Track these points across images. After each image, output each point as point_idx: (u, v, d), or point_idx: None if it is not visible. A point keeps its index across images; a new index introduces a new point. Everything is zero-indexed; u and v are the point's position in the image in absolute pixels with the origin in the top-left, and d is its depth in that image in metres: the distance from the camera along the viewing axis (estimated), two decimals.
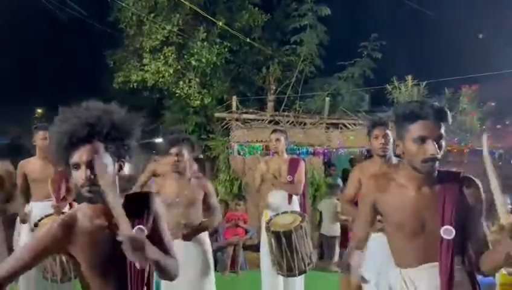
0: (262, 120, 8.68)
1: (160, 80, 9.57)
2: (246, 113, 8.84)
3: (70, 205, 4.04)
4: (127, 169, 1.80)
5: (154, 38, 9.35)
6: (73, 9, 10.14)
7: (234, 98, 9.03)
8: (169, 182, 3.33)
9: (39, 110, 17.55)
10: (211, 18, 9.69)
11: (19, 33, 12.50)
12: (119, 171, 1.66)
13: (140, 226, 1.62)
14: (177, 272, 1.72)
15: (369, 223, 2.05)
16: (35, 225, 3.71)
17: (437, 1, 11.72)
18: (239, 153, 8.46)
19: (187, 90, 9.70)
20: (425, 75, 8.78)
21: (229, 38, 10.18)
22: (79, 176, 1.56)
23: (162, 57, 9.47)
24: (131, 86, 9.80)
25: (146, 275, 1.65)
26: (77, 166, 1.56)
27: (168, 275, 1.69)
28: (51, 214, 3.80)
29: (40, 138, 4.09)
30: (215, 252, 5.49)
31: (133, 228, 1.55)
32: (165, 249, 1.70)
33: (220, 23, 9.81)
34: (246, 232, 6.82)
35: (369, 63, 10.06)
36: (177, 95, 9.81)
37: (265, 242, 4.26)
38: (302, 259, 3.93)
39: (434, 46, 12.69)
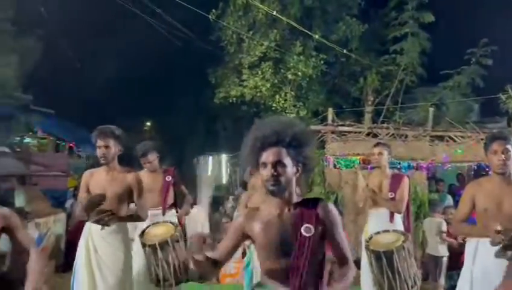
0: (360, 132, 8.46)
1: (258, 94, 9.87)
2: (343, 125, 8.68)
3: (176, 211, 4.31)
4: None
5: (253, 54, 9.70)
6: (179, 31, 10.91)
7: (330, 110, 8.94)
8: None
9: (148, 124, 19.10)
10: (307, 31, 9.77)
11: (132, 53, 13.77)
12: (296, 173, 1.92)
13: (309, 225, 1.83)
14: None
15: None
16: (142, 232, 3.87)
17: None
18: (335, 166, 8.33)
19: (283, 104, 9.87)
20: None
21: (325, 50, 10.17)
22: (265, 173, 1.85)
23: (259, 72, 9.78)
24: (230, 100, 10.24)
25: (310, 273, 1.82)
26: (265, 165, 1.86)
27: None
28: (157, 222, 4.00)
29: (152, 159, 4.39)
30: None
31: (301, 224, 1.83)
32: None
33: (317, 36, 9.84)
34: None
35: (478, 70, 9.33)
36: (273, 108, 10.02)
37: (365, 260, 4.13)
38: (405, 281, 3.73)
39: None
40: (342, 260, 1.96)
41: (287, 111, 9.89)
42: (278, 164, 1.84)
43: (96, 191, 3.34)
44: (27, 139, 13.55)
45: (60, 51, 13.04)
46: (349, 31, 10.26)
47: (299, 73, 9.57)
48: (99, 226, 3.22)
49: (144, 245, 3.62)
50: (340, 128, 8.56)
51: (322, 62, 9.94)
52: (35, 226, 6.13)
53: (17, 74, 11.35)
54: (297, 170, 1.90)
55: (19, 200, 6.94)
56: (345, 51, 10.18)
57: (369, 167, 6.87)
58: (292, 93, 9.90)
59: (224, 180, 13.02)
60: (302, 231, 1.82)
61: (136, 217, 3.49)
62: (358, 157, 8.02)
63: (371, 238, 4.01)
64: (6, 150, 10.83)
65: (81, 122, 16.22)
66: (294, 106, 9.92)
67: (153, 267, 3.54)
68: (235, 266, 5.98)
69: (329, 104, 10.06)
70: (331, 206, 1.96)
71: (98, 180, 3.38)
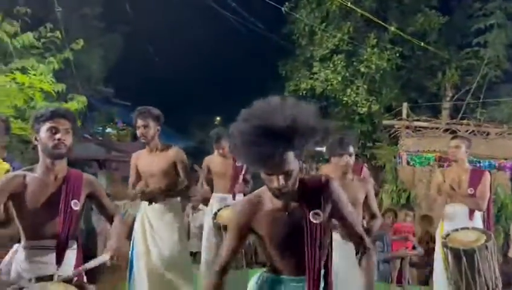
0: (437, 128, 8.04)
1: (329, 87, 9.73)
2: (418, 120, 8.31)
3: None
4: None
5: (325, 47, 9.58)
6: (252, 24, 11.07)
7: (405, 104, 8.59)
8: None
9: (218, 118, 19.65)
10: (382, 23, 9.45)
11: (206, 47, 14.20)
12: (299, 166, 1.71)
13: (317, 211, 1.72)
14: None
15: None
16: (215, 215, 4.00)
17: None
18: (408, 163, 8.00)
19: (354, 98, 9.64)
20: None
21: (401, 43, 9.79)
22: (272, 183, 1.66)
23: (331, 65, 9.63)
24: (300, 93, 10.19)
25: (324, 257, 1.75)
26: (270, 173, 1.64)
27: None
28: (228, 206, 4.11)
29: (225, 145, 4.50)
30: (381, 262, 5.29)
31: (309, 212, 1.70)
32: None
33: (392, 28, 9.49)
34: (414, 247, 6.39)
35: None
36: (343, 102, 9.83)
37: (439, 257, 3.92)
38: (485, 283, 3.50)
39: None
40: (355, 238, 1.86)
41: (358, 105, 9.66)
42: (286, 173, 1.61)
43: (144, 170, 3.53)
44: (108, 129, 14.53)
45: (139, 45, 13.79)
46: (427, 23, 9.77)
47: (373, 66, 9.30)
48: (155, 207, 3.39)
49: (218, 227, 3.74)
50: (416, 123, 8.20)
51: (397, 55, 9.58)
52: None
53: (101, 68, 12.17)
54: (300, 161, 1.69)
55: (101, 183, 7.46)
56: (422, 44, 9.72)
57: (445, 165, 6.53)
58: (364, 86, 9.65)
59: None
60: (311, 218, 1.71)
61: (182, 190, 3.61)
62: (435, 154, 7.65)
63: (448, 235, 3.80)
64: (89, 137, 11.68)
65: None
66: (367, 100, 9.66)
67: None
68: None
69: (404, 98, 9.67)
70: (334, 184, 1.81)
71: (144, 160, 3.56)
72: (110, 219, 2.43)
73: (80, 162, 8.33)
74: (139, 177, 3.61)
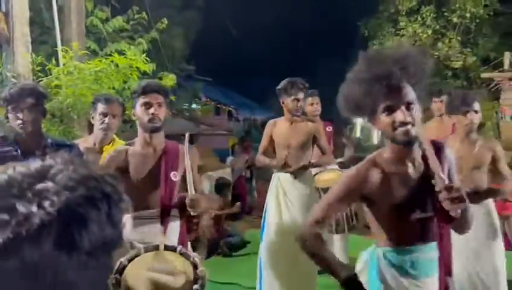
0: None
1: (417, 43, 9.09)
2: None
3: None
4: None
5: None
6: None
7: (507, 54, 7.77)
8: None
9: None
10: None
11: (281, 16, 13.98)
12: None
13: (442, 175, 1.53)
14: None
15: None
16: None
17: None
18: None
19: (446, 51, 8.91)
20: None
21: None
22: (396, 118, 1.50)
23: (419, 18, 8.95)
24: None
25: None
26: (391, 108, 1.50)
27: (466, 227, 1.65)
28: (323, 170, 4.03)
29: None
30: None
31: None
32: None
33: None
34: None
35: None
36: (435, 57, 9.12)
37: None
38: None
39: None
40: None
41: (451, 59, 8.92)
42: (408, 105, 1.48)
43: (280, 140, 3.53)
44: (193, 105, 15.10)
45: (217, 20, 13.96)
46: None
47: (467, 15, 8.46)
48: (289, 175, 3.43)
49: (316, 189, 3.70)
50: None
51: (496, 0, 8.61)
52: (208, 177, 6.84)
53: (183, 45, 12.53)
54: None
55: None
56: None
57: None
58: (458, 38, 8.85)
59: (376, 141, 12.60)
60: (433, 182, 1.52)
61: (323, 163, 3.59)
62: None
63: None
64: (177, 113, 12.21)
65: (237, 88, 17.35)
66: (461, 52, 8.87)
67: None
68: None
69: (504, 48, 8.72)
70: (448, 149, 1.63)
71: (282, 130, 3.55)
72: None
73: (171, 137, 8.76)
74: (271, 143, 3.62)
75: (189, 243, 2.36)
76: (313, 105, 4.22)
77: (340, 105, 1.65)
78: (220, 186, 6.42)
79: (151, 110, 2.21)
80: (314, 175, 3.71)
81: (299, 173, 3.47)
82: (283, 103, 3.52)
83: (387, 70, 1.48)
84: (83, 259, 0.57)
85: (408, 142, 1.53)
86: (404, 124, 1.49)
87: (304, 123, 3.53)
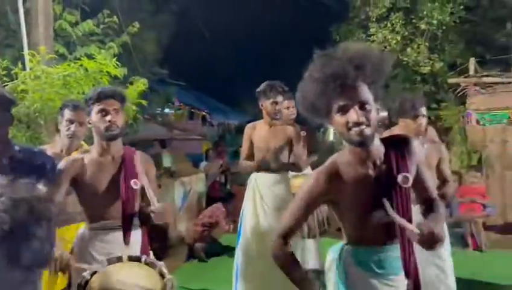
0: (510, 83, 7.46)
1: (387, 48, 9.28)
2: (488, 76, 7.75)
3: None
4: None
5: (381, 6, 9.11)
6: None
7: (472, 60, 8.03)
8: None
9: None
10: None
11: (254, 21, 14.02)
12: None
13: (405, 173, 1.56)
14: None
15: None
16: None
17: None
18: (478, 123, 7.56)
19: (415, 57, 9.14)
20: None
21: None
22: (349, 118, 1.47)
23: (389, 24, 9.16)
24: None
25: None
26: (345, 108, 1.48)
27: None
28: (297, 175, 4.05)
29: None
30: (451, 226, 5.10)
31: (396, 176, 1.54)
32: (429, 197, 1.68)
33: None
34: (484, 207, 6.03)
35: None
36: (404, 62, 9.35)
37: None
38: None
39: None
40: (428, 204, 1.69)
41: (420, 64, 9.15)
42: (362, 105, 1.45)
43: (259, 144, 3.57)
44: (166, 110, 14.93)
45: (190, 24, 13.88)
46: None
47: (434, 22, 8.71)
48: (266, 178, 3.48)
49: (292, 194, 3.73)
50: (485, 79, 7.66)
51: (460, 7, 8.90)
52: (181, 183, 6.78)
53: (155, 49, 12.39)
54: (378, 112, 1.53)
55: (166, 161, 7.73)
56: None
57: None
58: (426, 44, 9.10)
59: None
60: (400, 181, 1.53)
61: (295, 166, 3.61)
62: (508, 111, 7.16)
63: None
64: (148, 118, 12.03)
65: (211, 92, 17.25)
66: (429, 58, 9.12)
67: None
68: None
69: (469, 54, 9.02)
70: (414, 143, 1.65)
71: (261, 133, 3.58)
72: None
73: (143, 142, 8.64)
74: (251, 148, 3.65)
75: (151, 252, 2.29)
76: (288, 108, 4.25)
77: (297, 105, 1.64)
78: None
79: (108, 118, 2.13)
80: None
81: (280, 172, 3.50)
82: (262, 106, 3.54)
83: (341, 69, 1.45)
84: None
85: (362, 143, 1.50)
86: (357, 124, 1.46)
87: (283, 127, 3.55)
